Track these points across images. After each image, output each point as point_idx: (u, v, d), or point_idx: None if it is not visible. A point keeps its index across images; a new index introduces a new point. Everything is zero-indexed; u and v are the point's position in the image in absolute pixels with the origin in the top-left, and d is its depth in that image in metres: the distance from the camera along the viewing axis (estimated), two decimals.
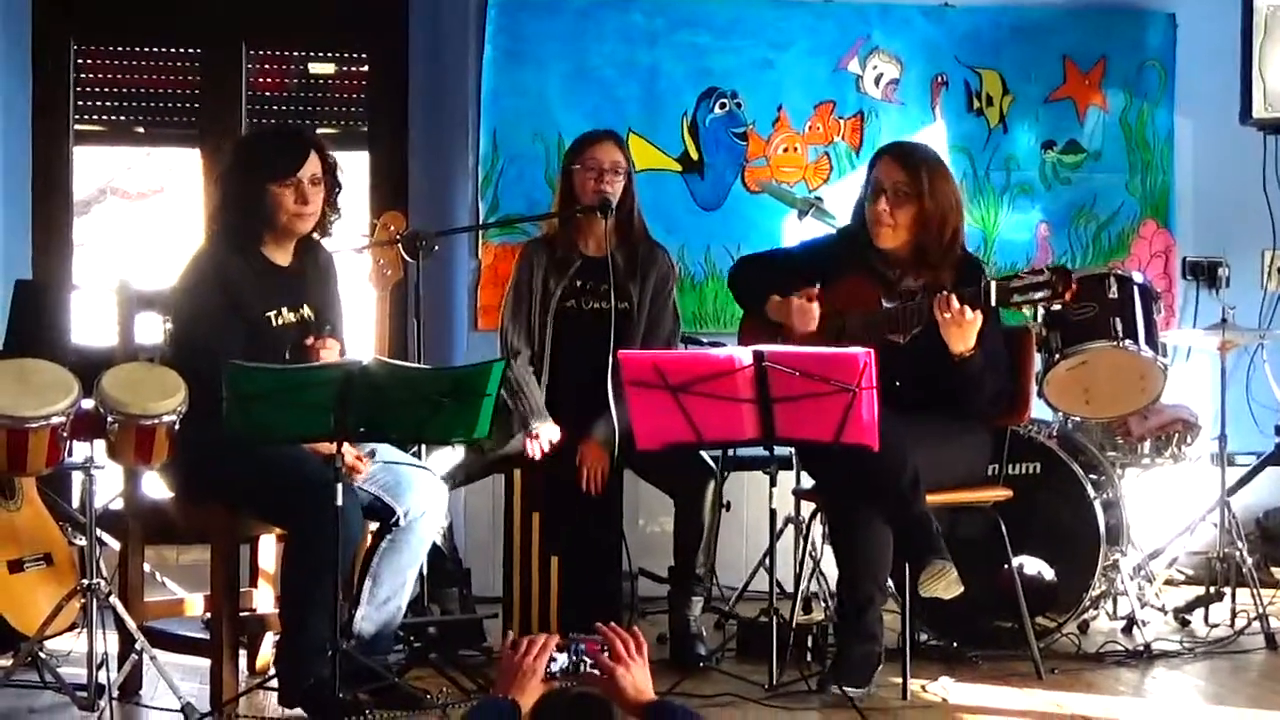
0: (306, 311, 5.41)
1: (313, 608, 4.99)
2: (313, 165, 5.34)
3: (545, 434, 5.96)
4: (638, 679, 3.78)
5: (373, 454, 5.30)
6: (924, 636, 6.07)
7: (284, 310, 5.35)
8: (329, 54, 8.31)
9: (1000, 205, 7.93)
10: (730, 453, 6.49)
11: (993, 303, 5.40)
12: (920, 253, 5.65)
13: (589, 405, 5.93)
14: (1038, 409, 6.19)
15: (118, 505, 5.66)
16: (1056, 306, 5.50)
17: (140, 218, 13.78)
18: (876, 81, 7.87)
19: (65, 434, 4.92)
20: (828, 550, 5.88)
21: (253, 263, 5.35)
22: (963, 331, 5.37)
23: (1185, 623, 6.61)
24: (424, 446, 5.66)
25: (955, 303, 5.35)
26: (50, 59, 7.76)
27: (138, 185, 13.96)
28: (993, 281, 5.44)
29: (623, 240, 6.06)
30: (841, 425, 5.09)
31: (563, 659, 3.79)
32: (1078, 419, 6.69)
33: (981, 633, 6.02)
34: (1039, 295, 5.37)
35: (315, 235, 5.49)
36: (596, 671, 3.78)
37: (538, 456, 5.94)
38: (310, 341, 5.34)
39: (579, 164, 6.06)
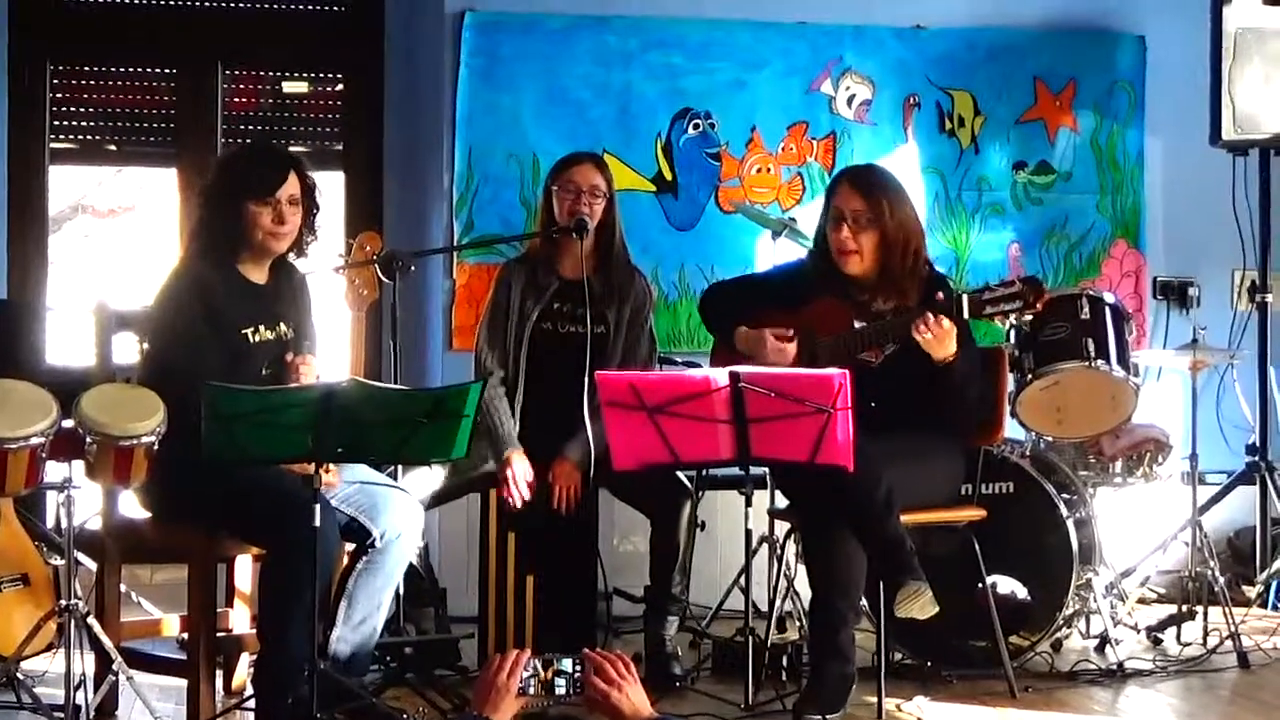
0: (284, 329, 5.42)
1: (290, 627, 4.99)
2: (291, 186, 5.36)
3: (519, 471, 5.93)
4: (634, 698, 3.81)
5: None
6: (898, 655, 6.09)
7: (261, 327, 5.36)
8: (303, 73, 8.33)
9: (972, 226, 7.99)
10: (705, 472, 6.52)
11: (965, 315, 5.41)
12: (886, 275, 5.68)
13: (563, 427, 5.91)
14: (1011, 429, 6.22)
15: (94, 525, 5.66)
16: (1029, 316, 5.51)
17: (111, 235, 13.76)
18: (849, 102, 7.91)
19: (44, 455, 4.92)
20: (802, 570, 5.89)
21: (230, 280, 5.36)
22: (942, 341, 5.40)
23: (1158, 641, 6.64)
24: (400, 467, 5.67)
25: (931, 318, 5.36)
26: (26, 77, 7.77)
27: (108, 202, 13.95)
28: (964, 294, 5.46)
29: (601, 263, 6.07)
30: (817, 446, 5.12)
31: (561, 683, 3.82)
32: (1050, 439, 6.73)
33: (956, 652, 6.03)
34: (1010, 306, 5.38)
35: (290, 255, 5.52)
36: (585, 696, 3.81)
37: (519, 505, 5.92)
38: (290, 358, 5.36)
39: (557, 185, 6.06)
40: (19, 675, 5.24)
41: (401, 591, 5.67)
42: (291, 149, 7.58)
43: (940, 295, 5.47)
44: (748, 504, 5.42)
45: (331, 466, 5.17)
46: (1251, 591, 7.29)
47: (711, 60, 7.80)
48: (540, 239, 6.17)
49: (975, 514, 5.78)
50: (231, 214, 5.33)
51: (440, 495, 6.02)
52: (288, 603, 4.99)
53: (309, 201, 5.45)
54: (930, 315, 5.36)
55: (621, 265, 6.14)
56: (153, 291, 5.41)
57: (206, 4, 7.96)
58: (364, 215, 7.89)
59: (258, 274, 5.43)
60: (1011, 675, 5.81)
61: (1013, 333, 6.41)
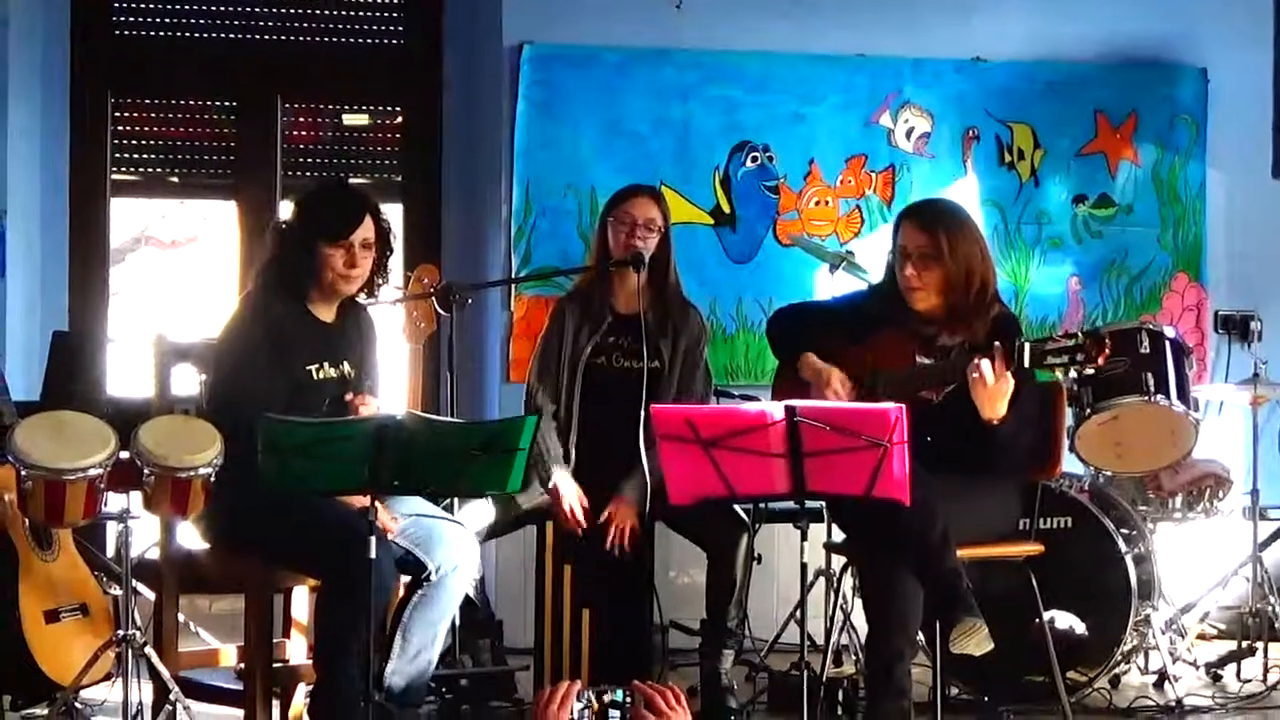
0: (347, 368, 5.45)
1: (346, 658, 5.01)
2: (366, 229, 5.38)
3: (566, 495, 5.94)
4: None
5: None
6: (955, 690, 6.06)
7: (325, 364, 5.39)
8: (363, 106, 8.37)
9: (1032, 259, 7.95)
10: (762, 505, 6.50)
11: (1025, 364, 5.35)
12: (953, 310, 5.65)
13: (617, 463, 5.93)
14: (1069, 463, 6.18)
15: (153, 555, 5.69)
16: (1089, 370, 5.46)
17: (174, 266, 13.85)
18: (908, 135, 7.90)
19: (102, 486, 4.95)
20: (858, 603, 5.88)
21: (297, 316, 5.40)
22: (992, 395, 5.32)
23: (1218, 678, 6.60)
24: (456, 499, 5.68)
25: (986, 362, 5.31)
26: (88, 112, 7.84)
27: (172, 234, 14.04)
28: (1026, 343, 5.39)
29: (656, 298, 6.05)
30: (872, 480, 5.07)
31: (615, 714, 3.81)
32: (1109, 474, 6.70)
33: (1013, 687, 6.00)
34: (1072, 359, 5.34)
35: (360, 296, 5.54)
36: None
37: (580, 533, 5.92)
38: (350, 398, 5.37)
39: (613, 218, 6.07)
40: (77, 704, 5.28)
41: (457, 623, 5.67)
42: (351, 181, 7.65)
43: (998, 343, 5.39)
44: (804, 537, 5.38)
45: (387, 515, 5.19)
46: None
47: (770, 93, 7.79)
48: (594, 273, 6.17)
49: (1033, 549, 5.74)
50: (304, 253, 5.36)
51: (496, 528, 6.02)
52: (343, 634, 5.01)
53: (382, 245, 5.47)
54: (986, 359, 5.30)
55: (676, 300, 6.13)
56: (219, 322, 5.45)
57: (266, 37, 8.01)
58: (422, 247, 7.91)
59: (326, 313, 5.47)
60: (1069, 711, 5.76)
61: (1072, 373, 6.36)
